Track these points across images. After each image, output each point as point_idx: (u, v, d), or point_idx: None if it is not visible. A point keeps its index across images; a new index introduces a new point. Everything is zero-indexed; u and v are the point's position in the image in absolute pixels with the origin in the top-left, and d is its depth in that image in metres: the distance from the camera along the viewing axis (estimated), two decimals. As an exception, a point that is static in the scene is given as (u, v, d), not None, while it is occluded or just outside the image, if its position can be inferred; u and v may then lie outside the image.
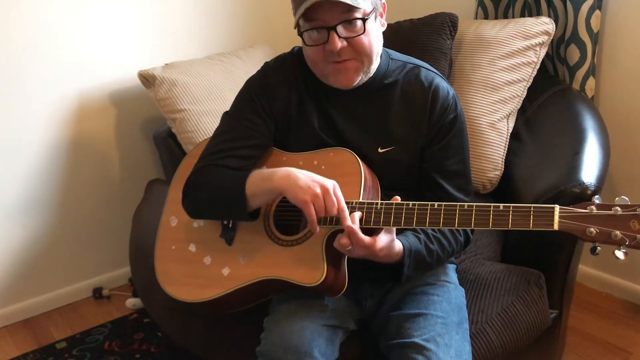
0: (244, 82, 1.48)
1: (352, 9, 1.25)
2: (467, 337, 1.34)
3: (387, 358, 1.33)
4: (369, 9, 1.28)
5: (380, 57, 1.39)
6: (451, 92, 1.41)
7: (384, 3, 1.35)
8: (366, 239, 1.20)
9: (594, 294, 2.30)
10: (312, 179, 1.25)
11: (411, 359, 1.23)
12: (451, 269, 1.50)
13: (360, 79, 1.34)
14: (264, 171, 1.34)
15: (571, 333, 2.04)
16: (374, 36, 1.31)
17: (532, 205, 1.12)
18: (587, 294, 2.30)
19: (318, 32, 1.28)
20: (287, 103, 1.42)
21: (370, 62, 1.33)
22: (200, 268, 1.41)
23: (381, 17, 1.36)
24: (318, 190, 1.23)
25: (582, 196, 1.55)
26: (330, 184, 1.24)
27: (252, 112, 1.42)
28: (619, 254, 1.06)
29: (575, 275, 1.80)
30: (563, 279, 1.67)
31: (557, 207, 1.11)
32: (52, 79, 2.22)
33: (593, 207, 1.08)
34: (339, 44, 1.26)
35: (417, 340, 1.26)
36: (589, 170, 1.63)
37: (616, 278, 2.28)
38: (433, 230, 1.36)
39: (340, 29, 1.26)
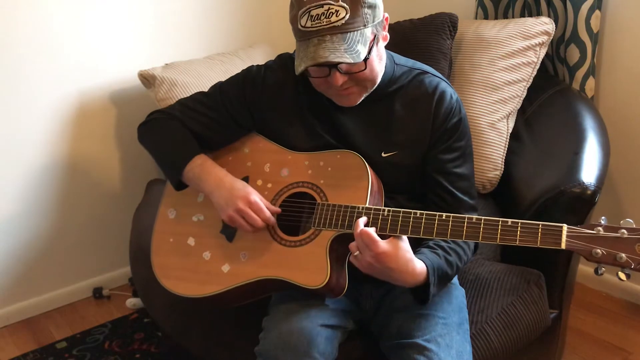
0: None
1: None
2: (467, 338, 1.34)
3: (387, 358, 1.33)
4: (369, 45, 1.25)
5: (386, 63, 1.38)
6: (455, 96, 1.41)
7: (386, 18, 1.33)
8: (379, 241, 1.17)
9: (594, 294, 2.30)
10: (229, 199, 1.34)
11: (412, 359, 1.23)
12: (451, 269, 1.50)
13: (363, 97, 1.35)
14: (205, 165, 1.41)
15: (571, 333, 2.04)
16: (376, 62, 1.30)
17: (541, 222, 1.12)
18: (587, 294, 2.30)
19: (320, 68, 1.27)
20: (285, 103, 1.42)
21: (373, 84, 1.34)
22: (199, 263, 1.41)
23: (384, 29, 1.33)
24: (231, 212, 1.33)
25: (582, 196, 1.56)
26: (244, 203, 1.32)
27: (236, 95, 1.45)
28: (622, 275, 1.08)
29: (575, 275, 1.81)
30: (563, 279, 1.67)
31: (565, 227, 1.11)
32: (52, 79, 2.21)
33: (600, 228, 1.09)
34: (341, 80, 1.26)
35: (418, 340, 1.26)
36: (589, 170, 1.63)
37: (616, 278, 2.27)
38: (445, 241, 1.35)
39: (342, 66, 1.25)
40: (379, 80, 1.35)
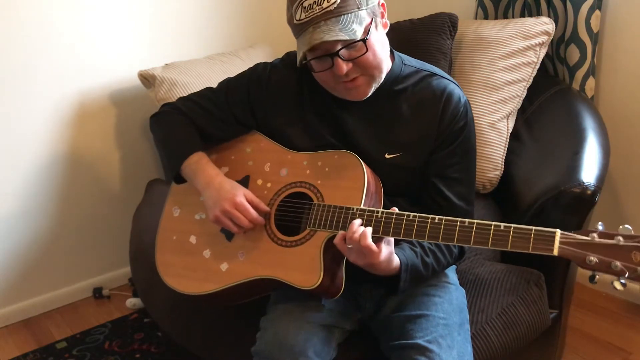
0: None
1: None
2: (468, 338, 1.34)
3: (388, 359, 1.33)
4: (366, 26, 1.25)
5: (394, 61, 1.38)
6: (463, 99, 1.38)
7: (382, 4, 1.33)
8: (373, 246, 1.17)
9: (594, 294, 2.30)
10: (216, 199, 1.35)
11: (413, 360, 1.23)
12: (451, 270, 1.50)
13: (373, 89, 1.33)
14: (200, 163, 1.42)
15: (571, 333, 2.04)
16: (378, 47, 1.29)
17: (534, 227, 1.09)
18: (587, 294, 2.30)
19: (323, 60, 1.27)
20: (287, 103, 1.42)
21: (380, 71, 1.32)
22: (200, 261, 1.41)
23: (382, 17, 1.32)
24: (217, 213, 1.34)
25: (582, 196, 1.56)
26: (230, 204, 1.33)
27: (240, 95, 1.46)
28: (617, 285, 1.02)
29: (575, 275, 1.81)
30: (563, 279, 1.67)
31: (558, 232, 1.06)
32: (52, 79, 2.22)
33: (595, 234, 1.04)
34: (345, 67, 1.25)
35: (419, 341, 1.26)
36: (589, 170, 1.63)
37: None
38: (429, 242, 1.35)
39: (343, 52, 1.24)
40: (384, 68, 1.33)
